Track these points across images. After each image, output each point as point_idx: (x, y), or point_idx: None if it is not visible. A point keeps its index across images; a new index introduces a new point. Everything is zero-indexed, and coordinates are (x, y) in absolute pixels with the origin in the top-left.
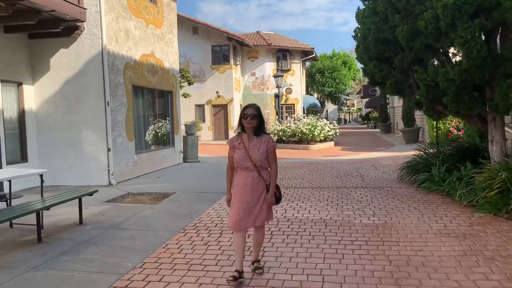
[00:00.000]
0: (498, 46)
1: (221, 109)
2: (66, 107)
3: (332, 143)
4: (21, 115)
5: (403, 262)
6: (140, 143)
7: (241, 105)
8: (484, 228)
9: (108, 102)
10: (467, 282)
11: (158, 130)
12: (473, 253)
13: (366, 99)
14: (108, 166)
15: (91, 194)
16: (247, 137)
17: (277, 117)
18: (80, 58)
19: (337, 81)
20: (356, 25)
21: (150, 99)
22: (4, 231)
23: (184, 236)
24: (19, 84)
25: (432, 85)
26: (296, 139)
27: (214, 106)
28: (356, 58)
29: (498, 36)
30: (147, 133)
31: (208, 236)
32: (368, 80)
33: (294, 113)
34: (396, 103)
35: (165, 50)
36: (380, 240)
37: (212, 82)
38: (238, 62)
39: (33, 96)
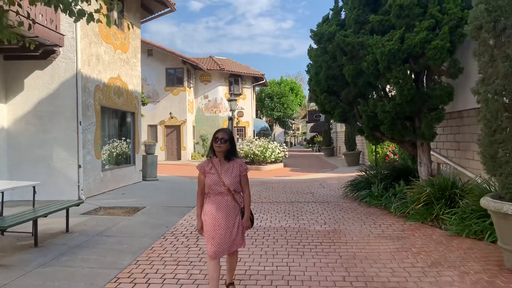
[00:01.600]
0: (425, 85)
1: (174, 130)
2: (38, 125)
3: (281, 164)
4: None
5: (350, 256)
6: (106, 161)
7: (193, 126)
8: (413, 233)
9: (80, 122)
10: (399, 269)
11: (120, 149)
12: (404, 250)
13: (311, 124)
14: (79, 182)
15: (78, 205)
16: (218, 161)
17: None
18: (55, 80)
19: (285, 106)
20: (307, 59)
21: (115, 120)
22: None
23: (165, 241)
24: None
25: (372, 116)
26: (248, 160)
27: (167, 126)
28: (308, 89)
29: (424, 77)
30: (111, 152)
31: (187, 240)
32: (317, 107)
33: (245, 136)
34: (339, 128)
35: (129, 73)
36: (331, 242)
37: (165, 103)
38: (191, 85)
39: (6, 114)
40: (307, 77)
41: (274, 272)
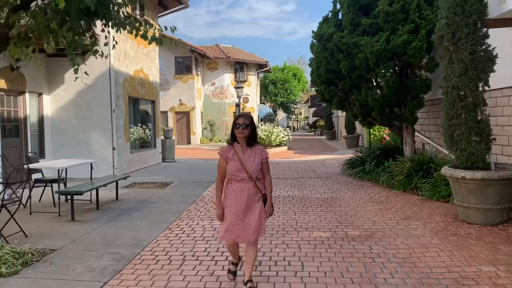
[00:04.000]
0: (408, 78)
1: (184, 116)
2: (78, 113)
3: (286, 147)
4: (41, 120)
5: (343, 214)
6: (132, 144)
7: (201, 112)
8: (395, 198)
9: (113, 110)
10: (379, 221)
11: (144, 134)
12: (385, 210)
13: (314, 109)
14: (113, 162)
15: (125, 178)
16: (240, 147)
17: None
18: (91, 74)
19: (288, 91)
20: (310, 54)
21: (139, 107)
22: (64, 204)
23: (197, 205)
24: (40, 94)
25: (364, 103)
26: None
27: (177, 113)
28: (311, 81)
29: (408, 71)
30: (136, 136)
31: (214, 204)
32: (318, 95)
33: None
34: (340, 113)
35: (150, 66)
36: (329, 205)
37: (175, 91)
38: (199, 73)
39: (50, 104)
40: (309, 58)
41: (285, 224)
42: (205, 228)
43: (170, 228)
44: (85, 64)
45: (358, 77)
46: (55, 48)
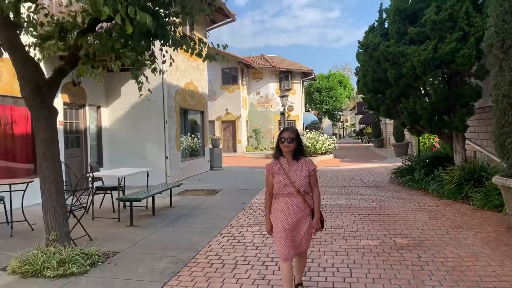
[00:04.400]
0: (458, 85)
1: (230, 125)
2: (133, 125)
3: (332, 155)
4: (99, 131)
5: (391, 222)
6: (182, 153)
7: (247, 121)
8: (445, 207)
9: (166, 121)
10: (428, 230)
11: (193, 143)
12: (435, 218)
13: (360, 116)
14: (166, 170)
15: (178, 186)
16: (286, 161)
17: None
18: (146, 87)
19: (333, 99)
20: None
21: (189, 118)
22: (123, 210)
23: (246, 212)
24: (98, 107)
25: (412, 112)
26: None
27: (223, 122)
28: (357, 89)
29: (457, 78)
30: (186, 145)
31: (262, 212)
32: (365, 103)
33: None
34: (388, 120)
35: (199, 78)
36: (377, 214)
37: (221, 101)
38: (245, 82)
39: (107, 116)
40: (356, 67)
41: (333, 232)
42: (254, 235)
43: (222, 234)
44: (148, 82)
45: (406, 86)
46: (120, 66)
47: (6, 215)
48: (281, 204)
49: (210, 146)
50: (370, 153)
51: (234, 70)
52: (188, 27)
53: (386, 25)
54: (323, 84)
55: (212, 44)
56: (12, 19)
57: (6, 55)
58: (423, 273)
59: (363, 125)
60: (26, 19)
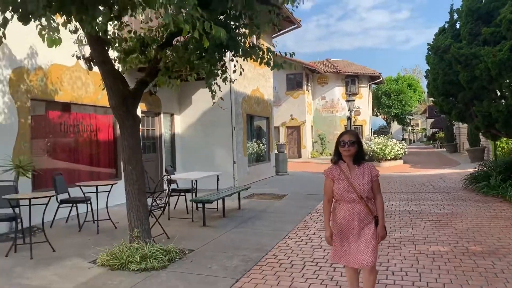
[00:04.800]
0: None
1: (294, 130)
2: (203, 131)
3: (401, 161)
4: (172, 137)
5: (464, 229)
6: (249, 158)
7: (312, 126)
8: None
9: (234, 127)
10: (504, 238)
11: (259, 148)
12: None
13: (432, 120)
14: (234, 174)
15: (246, 189)
16: (346, 166)
17: None
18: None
19: (403, 103)
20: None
21: (254, 124)
22: (195, 212)
23: (312, 216)
24: (172, 115)
25: (486, 115)
26: (366, 158)
27: (288, 127)
28: (427, 92)
29: None
30: (253, 151)
31: None
32: (436, 107)
33: (362, 134)
34: (461, 124)
35: (265, 85)
36: (448, 220)
37: (286, 106)
38: (309, 88)
39: (179, 123)
40: (425, 70)
41: (401, 237)
42: (321, 238)
43: (289, 236)
44: (221, 91)
45: (479, 88)
46: (196, 77)
47: (92, 214)
48: (343, 210)
49: (276, 151)
50: (442, 159)
51: (298, 76)
52: (255, 36)
53: (457, 26)
54: (391, 87)
55: (280, 53)
56: (101, 36)
57: (94, 68)
58: (497, 280)
59: (434, 130)
60: (112, 36)
